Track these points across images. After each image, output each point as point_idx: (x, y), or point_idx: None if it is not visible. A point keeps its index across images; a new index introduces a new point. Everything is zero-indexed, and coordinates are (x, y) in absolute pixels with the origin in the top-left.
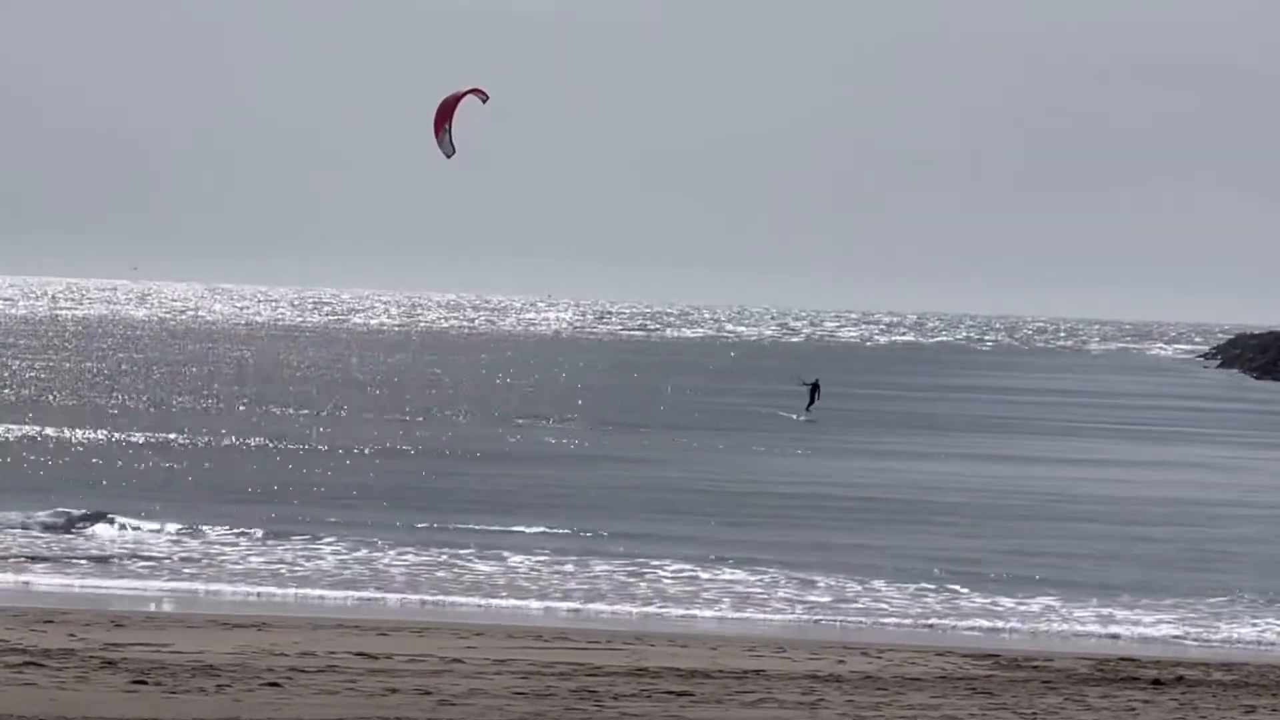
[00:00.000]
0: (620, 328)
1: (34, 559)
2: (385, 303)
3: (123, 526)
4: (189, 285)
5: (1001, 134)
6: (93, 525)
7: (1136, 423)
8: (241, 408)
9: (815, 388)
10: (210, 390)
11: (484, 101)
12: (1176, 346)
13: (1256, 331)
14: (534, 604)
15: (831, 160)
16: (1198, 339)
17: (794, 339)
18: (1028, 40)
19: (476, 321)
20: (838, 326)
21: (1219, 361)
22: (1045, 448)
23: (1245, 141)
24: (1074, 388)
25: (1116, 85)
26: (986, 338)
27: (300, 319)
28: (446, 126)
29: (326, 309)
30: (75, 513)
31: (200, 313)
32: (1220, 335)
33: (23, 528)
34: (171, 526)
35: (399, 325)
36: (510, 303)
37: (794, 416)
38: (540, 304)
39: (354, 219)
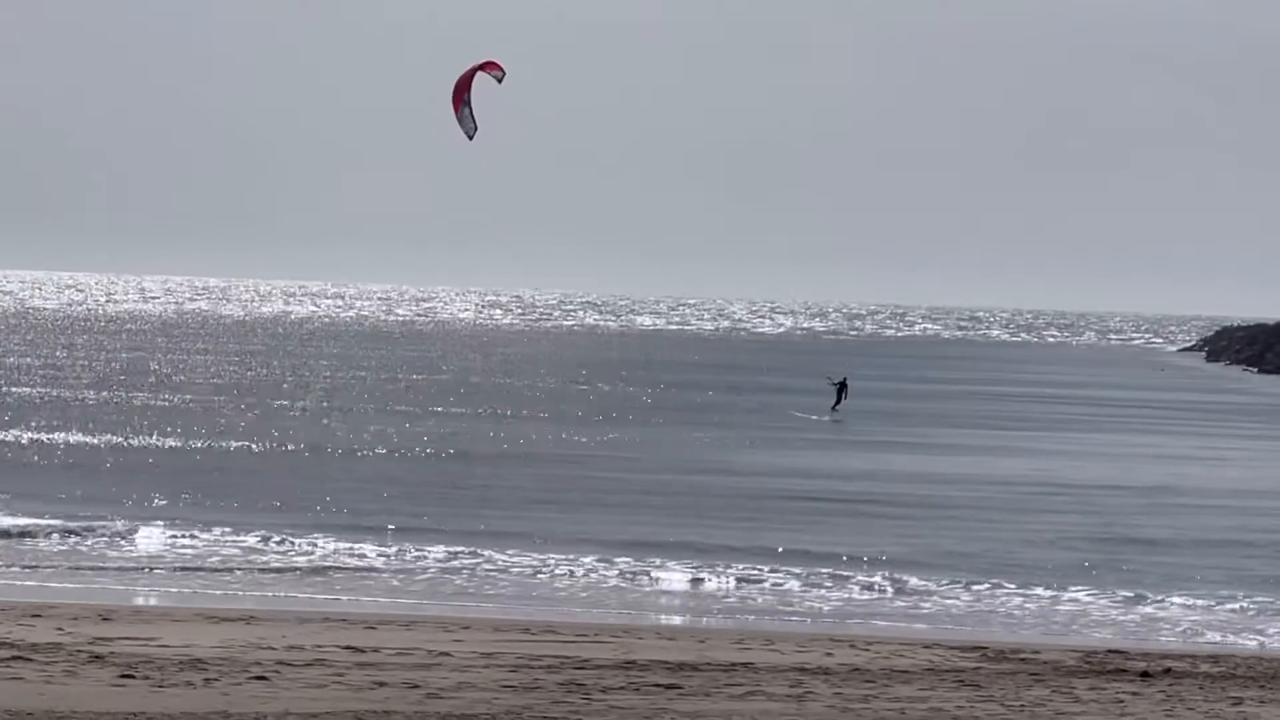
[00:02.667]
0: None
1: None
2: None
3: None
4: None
5: (968, 128)
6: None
7: (1123, 415)
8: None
9: (843, 386)
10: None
11: (499, 80)
12: (1143, 337)
13: (1243, 324)
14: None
15: (799, 153)
16: (1145, 327)
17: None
18: (1009, 34)
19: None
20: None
21: (1205, 353)
22: (1031, 440)
23: (1217, 132)
24: (1064, 380)
25: (1096, 77)
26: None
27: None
28: (465, 99)
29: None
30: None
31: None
32: (1167, 325)
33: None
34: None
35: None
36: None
37: (809, 415)
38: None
39: (352, 216)
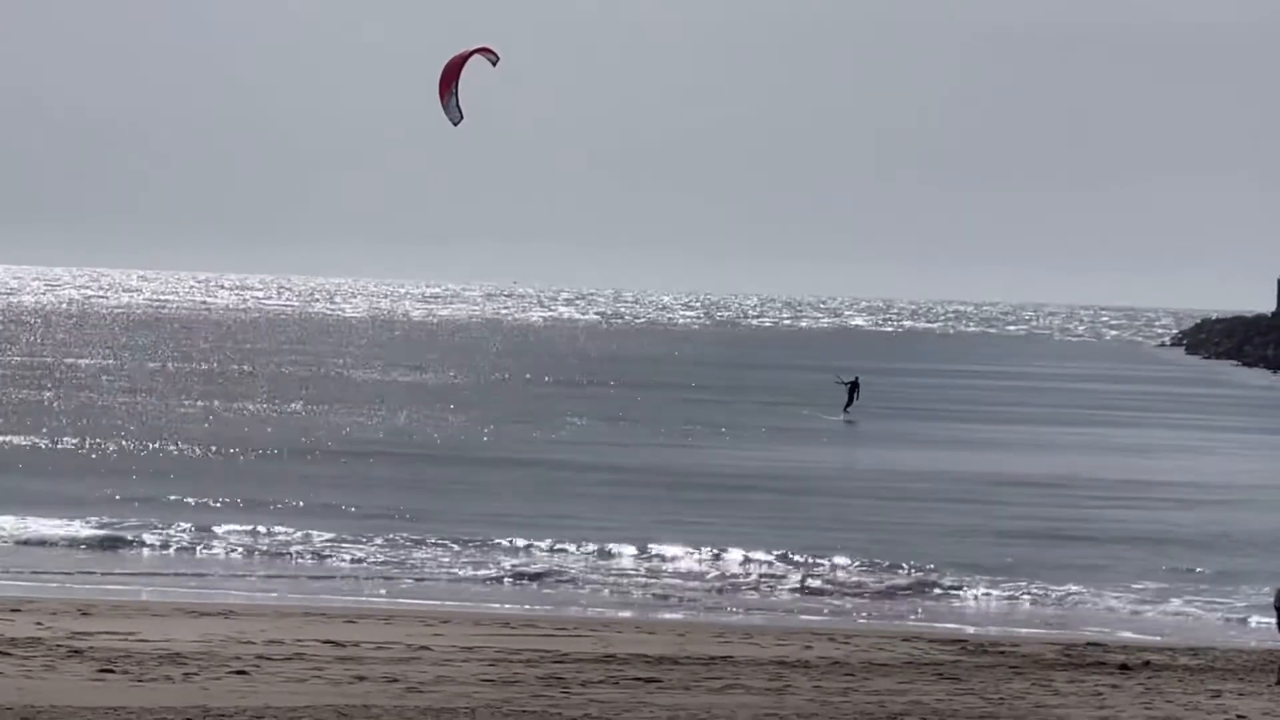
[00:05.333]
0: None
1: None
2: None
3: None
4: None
5: (951, 120)
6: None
7: (1100, 406)
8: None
9: (854, 386)
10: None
11: (494, 64)
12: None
13: (1222, 317)
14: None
15: (764, 147)
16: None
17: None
18: (993, 25)
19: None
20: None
21: (1185, 346)
22: (1014, 434)
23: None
24: (1042, 372)
25: (1074, 70)
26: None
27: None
28: (453, 88)
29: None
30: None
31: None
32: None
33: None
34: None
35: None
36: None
37: (832, 417)
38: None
39: (359, 210)
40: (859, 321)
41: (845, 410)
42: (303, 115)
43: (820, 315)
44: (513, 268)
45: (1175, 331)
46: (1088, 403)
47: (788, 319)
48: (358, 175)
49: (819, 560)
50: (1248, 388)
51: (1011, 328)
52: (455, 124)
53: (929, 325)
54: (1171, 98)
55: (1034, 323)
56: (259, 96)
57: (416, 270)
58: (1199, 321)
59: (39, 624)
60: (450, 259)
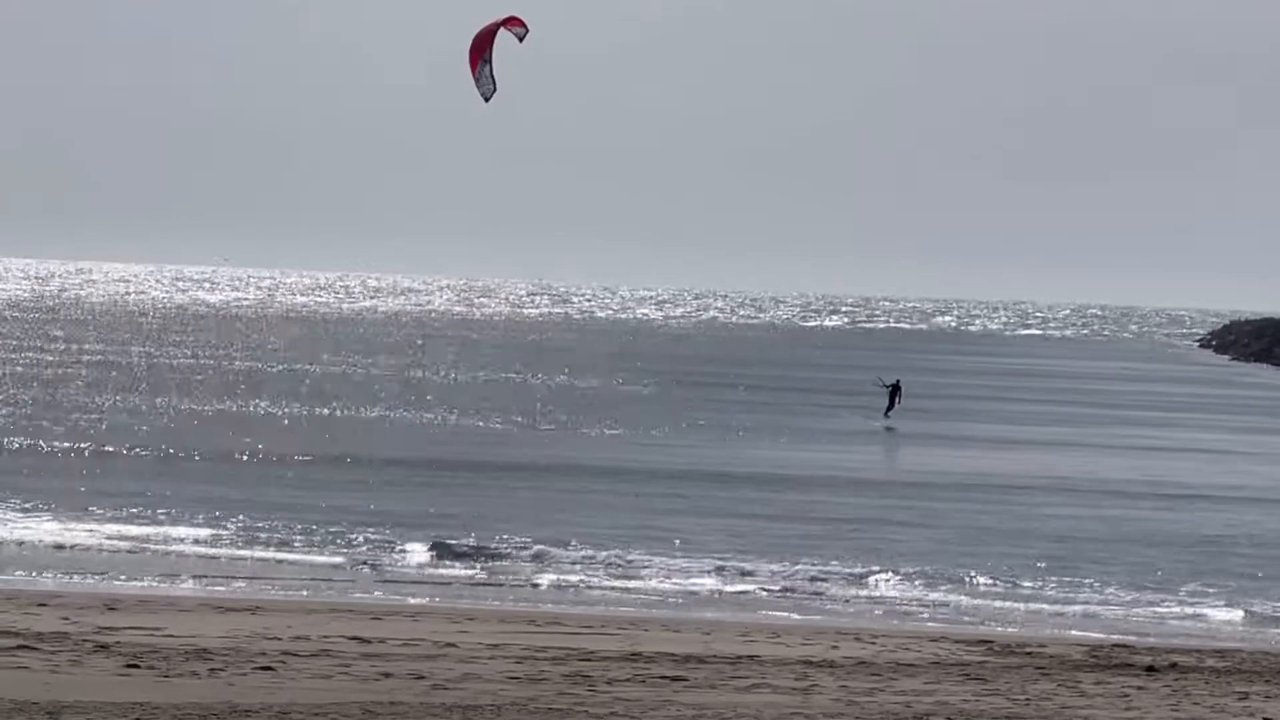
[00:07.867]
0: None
1: None
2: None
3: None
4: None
5: (980, 122)
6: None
7: (1128, 406)
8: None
9: (896, 389)
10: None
11: (520, 39)
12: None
13: (1252, 318)
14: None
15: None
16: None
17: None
18: (1018, 31)
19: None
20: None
21: (1214, 347)
22: (1042, 434)
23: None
24: (1070, 371)
25: (1106, 71)
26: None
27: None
28: (485, 57)
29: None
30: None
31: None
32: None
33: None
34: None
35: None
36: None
37: (872, 422)
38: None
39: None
40: (849, 319)
41: (886, 414)
42: (314, 110)
43: (842, 315)
44: (539, 262)
45: (1204, 333)
46: (1115, 402)
47: (805, 318)
48: (363, 168)
49: (845, 560)
50: (1277, 389)
51: (1036, 329)
52: (487, 99)
53: (947, 323)
54: (1203, 94)
55: (1054, 322)
56: (285, 83)
57: (450, 264)
58: (1228, 323)
59: (66, 619)
60: (479, 252)
